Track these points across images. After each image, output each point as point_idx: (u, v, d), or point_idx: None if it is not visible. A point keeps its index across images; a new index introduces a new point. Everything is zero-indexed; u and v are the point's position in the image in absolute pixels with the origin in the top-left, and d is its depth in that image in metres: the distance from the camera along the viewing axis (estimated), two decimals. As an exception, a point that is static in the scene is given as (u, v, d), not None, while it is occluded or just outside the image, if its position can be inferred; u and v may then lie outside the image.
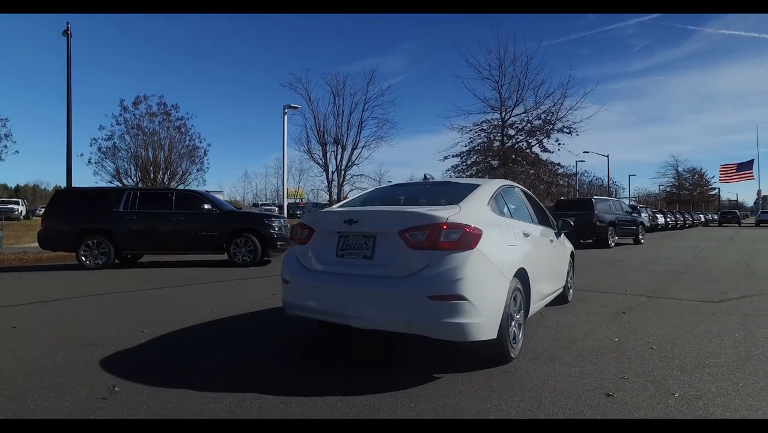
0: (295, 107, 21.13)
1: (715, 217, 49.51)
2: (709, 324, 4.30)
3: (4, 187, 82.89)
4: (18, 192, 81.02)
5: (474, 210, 3.21)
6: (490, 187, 3.73)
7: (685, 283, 7.03)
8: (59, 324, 4.43)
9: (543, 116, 22.20)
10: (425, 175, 4.09)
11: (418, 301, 2.77)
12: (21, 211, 32.39)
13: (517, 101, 22.72)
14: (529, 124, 22.65)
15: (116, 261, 9.66)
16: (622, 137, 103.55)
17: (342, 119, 29.56)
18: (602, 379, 2.87)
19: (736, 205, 78.18)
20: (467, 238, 2.88)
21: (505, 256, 3.18)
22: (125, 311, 5.02)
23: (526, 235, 3.73)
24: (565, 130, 21.81)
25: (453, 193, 3.54)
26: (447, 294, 2.74)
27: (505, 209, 3.75)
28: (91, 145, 22.98)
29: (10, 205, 32.38)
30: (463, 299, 2.74)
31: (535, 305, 3.84)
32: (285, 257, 3.60)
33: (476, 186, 3.66)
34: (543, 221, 4.70)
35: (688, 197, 65.45)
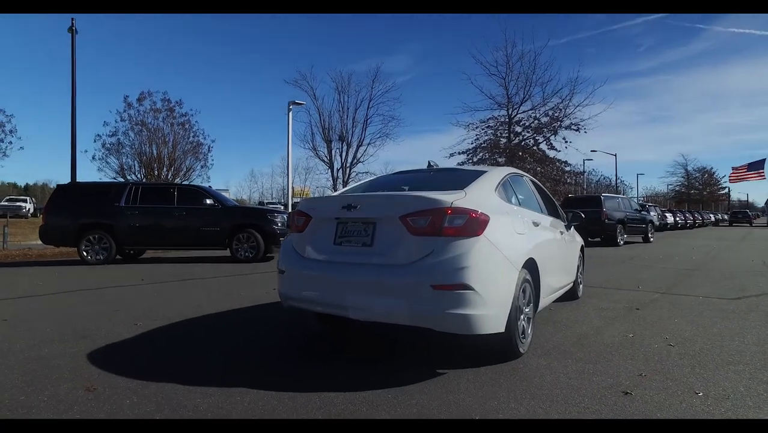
0: (300, 103, 20.94)
1: (726, 216, 48.76)
2: (729, 321, 4.08)
3: (14, 186, 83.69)
4: (27, 191, 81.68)
5: (480, 196, 3.02)
6: (497, 173, 3.54)
7: (700, 280, 6.77)
8: (52, 317, 4.29)
9: (550, 113, 21.91)
10: (429, 162, 3.90)
11: (420, 291, 2.59)
12: (29, 209, 32.59)
13: (524, 98, 22.38)
14: (536, 121, 22.36)
15: (118, 256, 9.57)
16: (629, 137, 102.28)
17: (347, 116, 29.27)
18: (618, 376, 2.67)
19: (747, 204, 77.03)
20: (473, 224, 2.69)
21: (514, 244, 2.99)
22: (122, 305, 4.89)
23: (535, 224, 3.54)
24: (572, 127, 21.47)
25: (458, 179, 3.35)
26: (451, 283, 2.55)
27: (513, 197, 3.55)
28: (95, 142, 22.90)
29: (18, 203, 32.63)
30: (469, 288, 2.55)
31: (545, 299, 3.64)
32: (282, 247, 3.43)
33: (483, 172, 3.47)
34: (552, 212, 4.49)
35: (697, 197, 64.43)
